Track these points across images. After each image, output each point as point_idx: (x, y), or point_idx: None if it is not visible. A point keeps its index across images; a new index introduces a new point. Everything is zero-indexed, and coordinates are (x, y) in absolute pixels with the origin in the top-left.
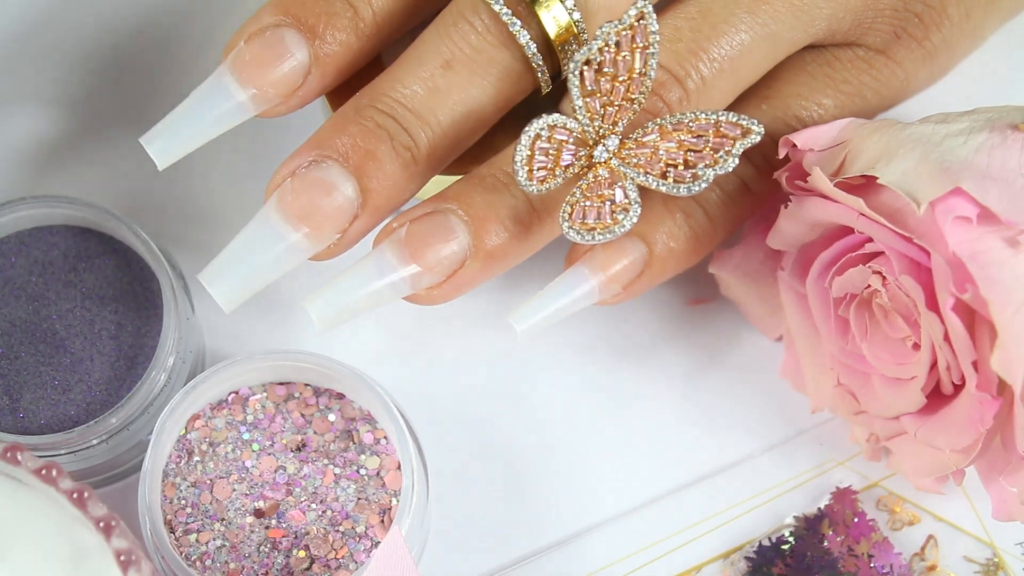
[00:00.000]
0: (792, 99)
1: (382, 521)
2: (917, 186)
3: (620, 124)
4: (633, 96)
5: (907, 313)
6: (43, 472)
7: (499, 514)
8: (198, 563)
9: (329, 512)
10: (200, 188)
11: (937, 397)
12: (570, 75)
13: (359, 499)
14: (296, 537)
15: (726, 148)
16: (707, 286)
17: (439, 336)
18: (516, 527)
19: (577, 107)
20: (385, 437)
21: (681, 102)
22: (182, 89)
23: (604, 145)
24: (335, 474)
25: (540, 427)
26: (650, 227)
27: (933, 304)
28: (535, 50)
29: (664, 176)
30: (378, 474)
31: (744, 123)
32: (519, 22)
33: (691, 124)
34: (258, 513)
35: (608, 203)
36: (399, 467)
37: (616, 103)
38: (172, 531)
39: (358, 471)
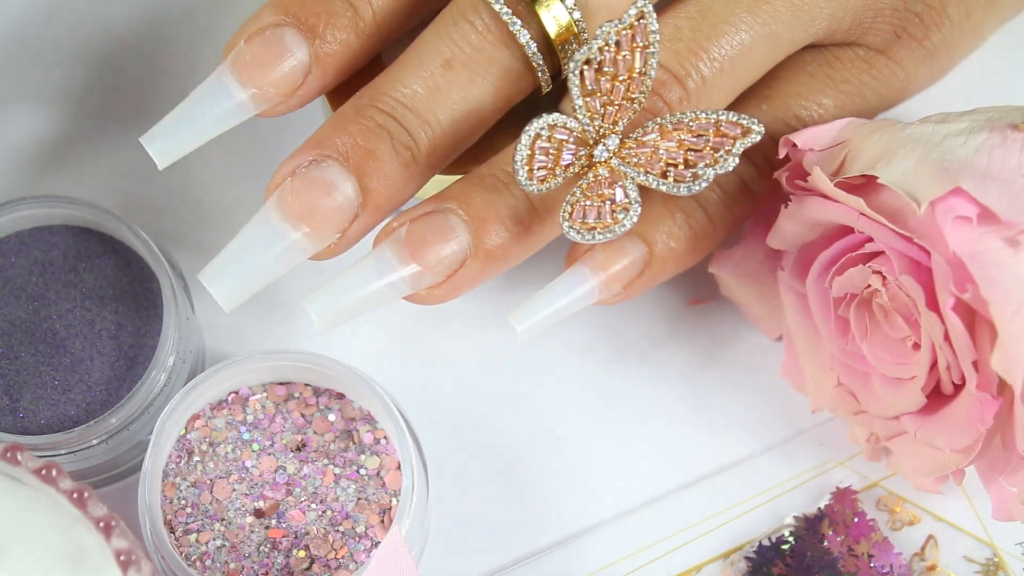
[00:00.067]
0: (792, 99)
1: (382, 521)
2: (917, 186)
3: (620, 123)
4: (633, 95)
5: (907, 313)
6: (43, 472)
7: (499, 514)
8: (198, 563)
9: (329, 512)
10: (200, 188)
11: (937, 397)
12: (570, 74)
13: (359, 499)
14: (296, 537)
15: (726, 147)
16: (707, 286)
17: (439, 336)
18: (516, 527)
19: (577, 106)
20: (385, 437)
21: (681, 102)
22: (182, 89)
23: (604, 144)
24: (335, 474)
25: (540, 427)
26: (650, 227)
27: (933, 304)
28: (535, 49)
29: (664, 175)
30: (378, 474)
31: (744, 122)
32: (519, 21)
33: (691, 123)
34: (258, 513)
35: (608, 202)
36: (399, 467)
37: (616, 102)
38: (172, 531)
39: (358, 471)
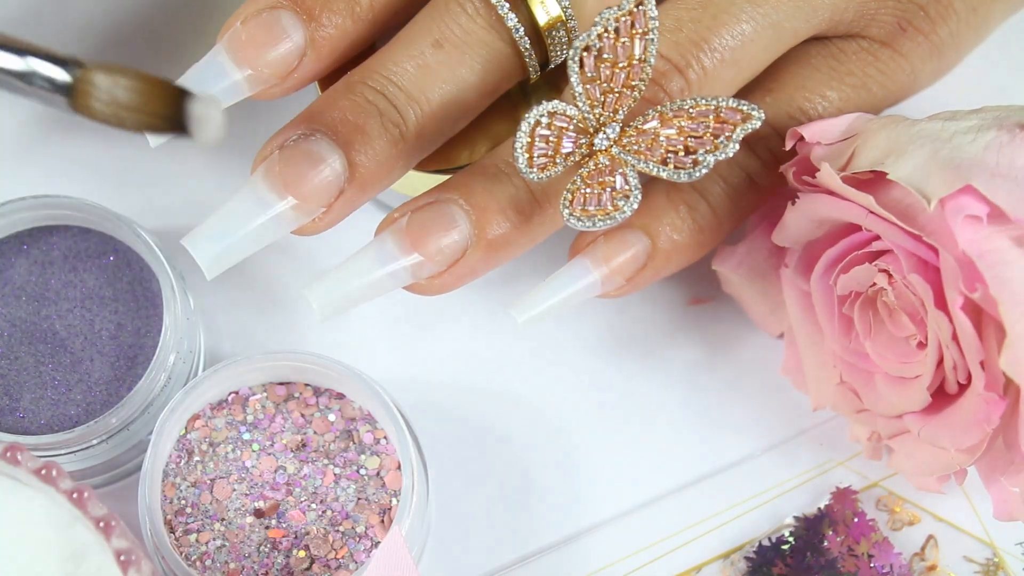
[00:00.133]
0: (796, 91)
1: (382, 521)
2: (927, 183)
3: (620, 112)
4: (633, 83)
5: (913, 311)
6: (43, 472)
7: (499, 514)
8: (198, 563)
9: (329, 512)
10: (200, 188)
11: (941, 396)
12: (569, 61)
13: (359, 499)
14: (296, 537)
15: (726, 133)
16: (708, 286)
17: (439, 336)
18: (516, 527)
19: (577, 94)
20: (385, 437)
21: (683, 92)
22: None
23: (605, 133)
24: (335, 474)
25: (540, 427)
26: (653, 219)
27: (941, 303)
28: (523, 33)
29: (665, 163)
30: (378, 474)
31: (744, 108)
32: (507, 5)
33: (691, 110)
34: (258, 513)
35: (609, 190)
36: (399, 467)
37: (616, 90)
38: (172, 531)
39: (358, 471)
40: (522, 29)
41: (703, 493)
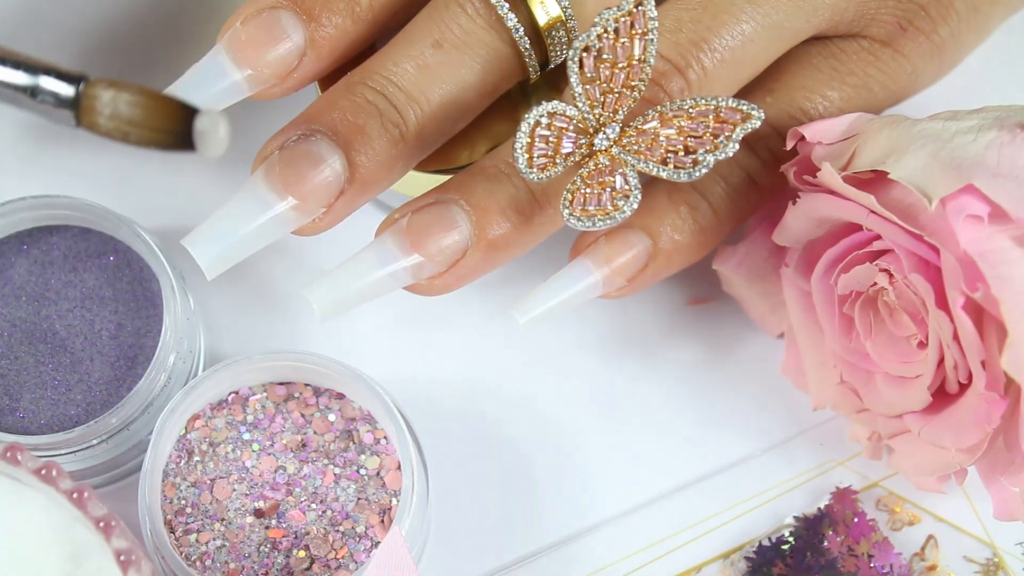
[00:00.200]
0: (797, 92)
1: (382, 521)
2: (928, 182)
3: (620, 112)
4: (633, 83)
5: (914, 311)
6: (43, 472)
7: (499, 514)
8: (198, 563)
9: (329, 512)
10: (200, 188)
11: (941, 396)
12: (569, 62)
13: (359, 499)
14: (296, 537)
15: (726, 133)
16: (708, 286)
17: (439, 336)
18: (516, 527)
19: (577, 94)
20: (385, 437)
21: (683, 92)
22: None
23: (605, 133)
24: (335, 474)
25: (540, 427)
26: (654, 220)
27: (943, 302)
28: (523, 33)
29: (665, 162)
30: (378, 474)
31: (744, 108)
32: (507, 5)
33: (691, 110)
34: (258, 513)
35: (608, 190)
36: (399, 467)
37: (616, 90)
38: (172, 531)
39: (358, 471)
40: (522, 29)
41: (703, 493)
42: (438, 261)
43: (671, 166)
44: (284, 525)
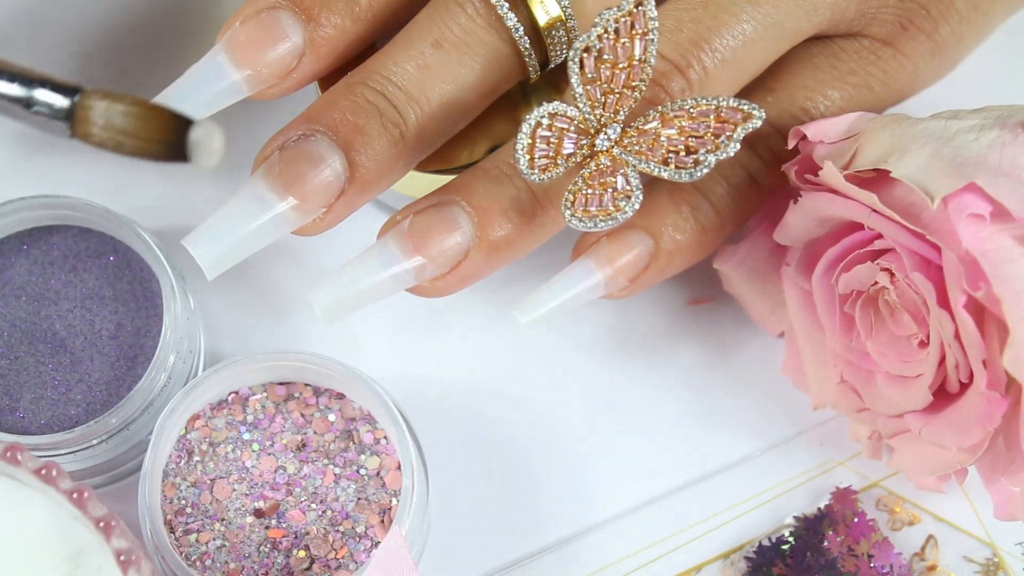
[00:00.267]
0: (798, 91)
1: (382, 521)
2: (930, 181)
3: (621, 112)
4: (634, 83)
5: (915, 310)
6: (43, 472)
7: (499, 514)
8: (198, 563)
9: (329, 512)
10: (200, 188)
11: (942, 395)
12: (570, 63)
13: (359, 499)
14: (296, 537)
15: (727, 133)
16: (708, 286)
17: (440, 336)
18: (516, 527)
19: (578, 95)
20: (385, 437)
21: (684, 92)
22: None
23: (606, 133)
24: (335, 474)
25: (540, 427)
26: (656, 220)
27: (944, 302)
28: (523, 33)
29: (666, 163)
30: (378, 474)
31: (745, 108)
32: (507, 5)
33: (692, 110)
34: (258, 513)
35: (610, 190)
36: (399, 467)
37: (617, 91)
38: (172, 531)
39: (358, 471)
40: (522, 29)
41: (703, 493)
42: (440, 263)
43: (672, 166)
44: (284, 525)
